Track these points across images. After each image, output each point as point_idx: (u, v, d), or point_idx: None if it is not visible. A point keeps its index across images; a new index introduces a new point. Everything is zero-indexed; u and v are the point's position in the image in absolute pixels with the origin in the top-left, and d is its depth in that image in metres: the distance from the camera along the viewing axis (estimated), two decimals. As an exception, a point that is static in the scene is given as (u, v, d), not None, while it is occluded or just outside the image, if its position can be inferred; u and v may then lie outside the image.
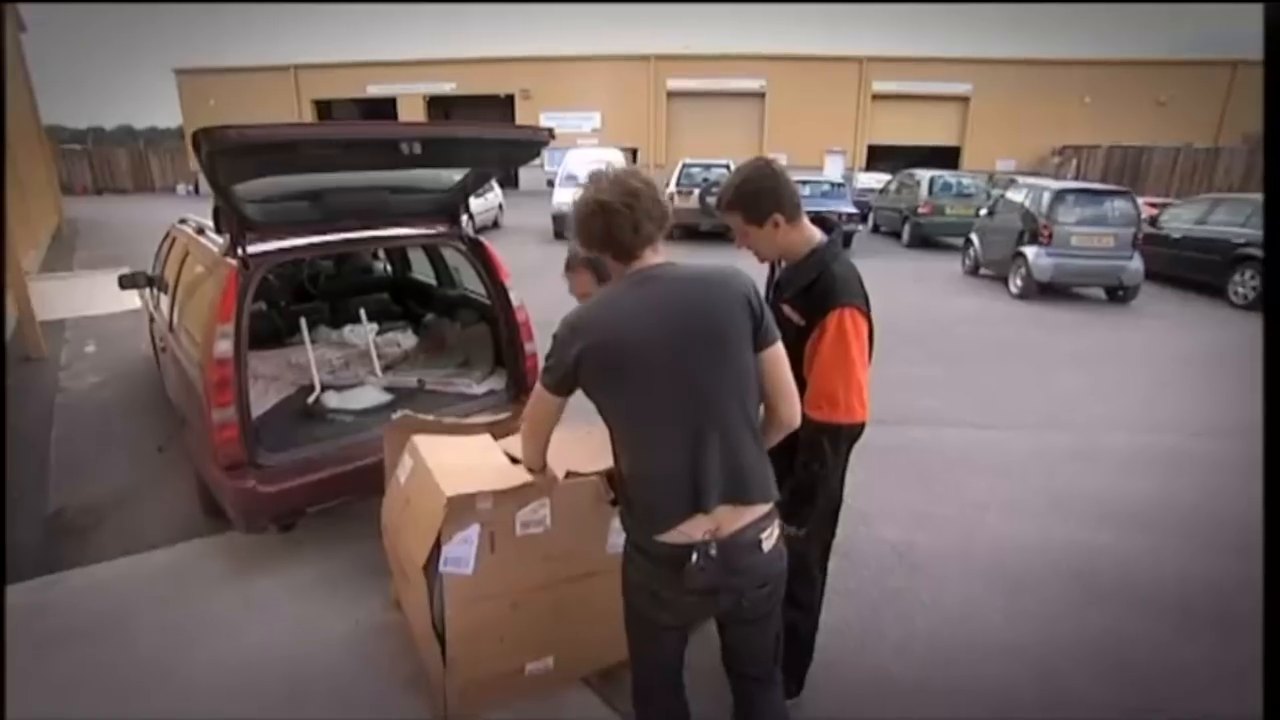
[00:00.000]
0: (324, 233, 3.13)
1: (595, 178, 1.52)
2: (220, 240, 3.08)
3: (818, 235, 1.90)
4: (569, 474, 2.12)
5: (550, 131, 2.85)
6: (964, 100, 28.21)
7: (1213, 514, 3.75)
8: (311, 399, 3.44)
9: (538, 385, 1.60)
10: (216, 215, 2.81)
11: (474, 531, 1.96)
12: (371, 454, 2.83)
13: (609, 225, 1.47)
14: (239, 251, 2.77)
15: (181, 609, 2.77)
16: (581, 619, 2.26)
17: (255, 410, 3.15)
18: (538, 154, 2.96)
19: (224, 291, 2.68)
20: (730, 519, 1.48)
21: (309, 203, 3.06)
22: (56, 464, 4.11)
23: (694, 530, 1.46)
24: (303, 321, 3.83)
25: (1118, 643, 2.74)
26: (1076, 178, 21.99)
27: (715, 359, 1.45)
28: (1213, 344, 7.56)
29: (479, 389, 3.62)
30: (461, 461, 2.19)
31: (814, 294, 1.82)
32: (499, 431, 3.02)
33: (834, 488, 2.03)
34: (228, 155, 2.21)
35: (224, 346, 2.61)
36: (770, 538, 1.54)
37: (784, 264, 1.96)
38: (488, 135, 2.91)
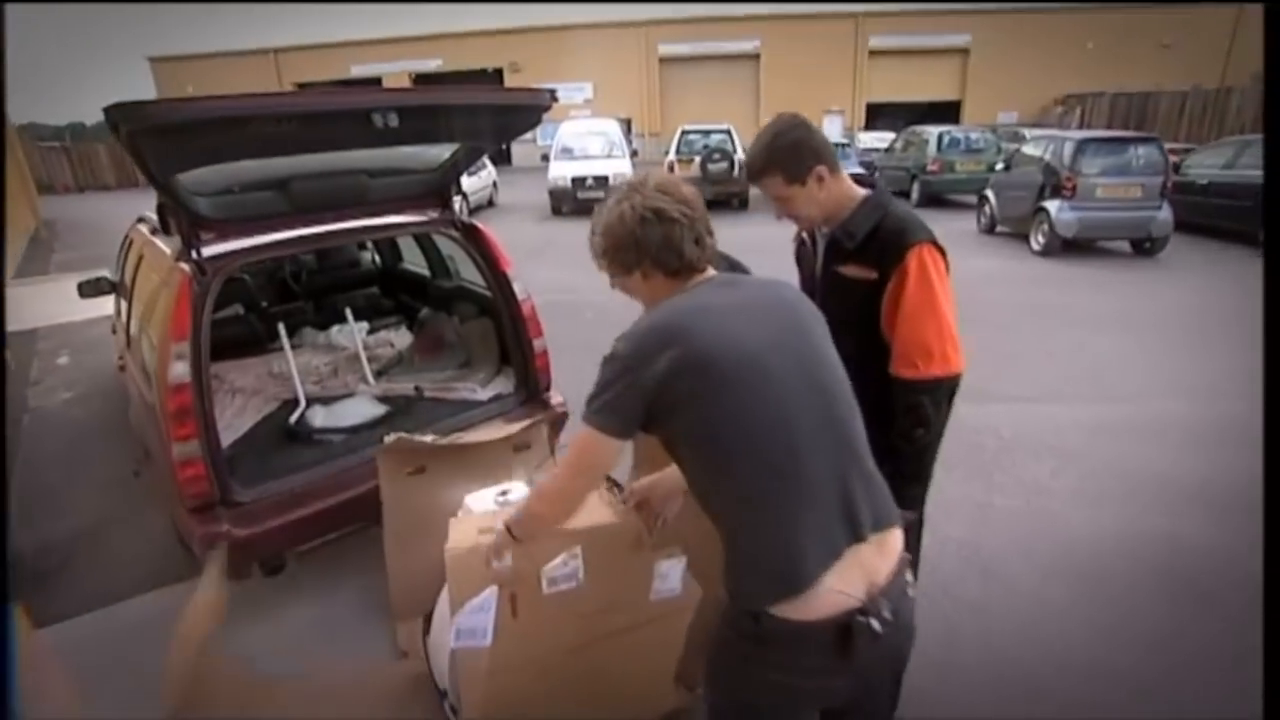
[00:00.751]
0: (294, 226, 2.68)
1: (635, 185, 1.31)
2: (173, 242, 2.65)
3: (860, 188, 1.71)
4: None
5: (552, 94, 2.40)
6: (963, 52, 27.37)
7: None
8: (294, 417, 3.03)
9: (587, 432, 1.21)
10: (162, 213, 2.37)
11: (490, 597, 1.58)
12: (366, 480, 2.45)
13: (669, 235, 1.25)
14: (193, 255, 2.34)
15: (154, 676, 2.38)
16: (621, 675, 1.89)
17: (229, 436, 2.76)
18: (538, 120, 2.51)
19: (177, 303, 2.25)
20: (876, 559, 1.18)
21: (274, 192, 2.60)
22: (18, 496, 3.69)
23: (848, 585, 1.12)
24: (281, 328, 3.40)
25: (1231, 659, 2.36)
26: (1080, 127, 21.34)
27: (835, 361, 1.27)
28: (1251, 296, 7.13)
29: (484, 393, 3.20)
30: None
31: (881, 238, 1.63)
32: (512, 443, 2.64)
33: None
34: (156, 137, 1.77)
35: (179, 369, 2.18)
36: (912, 582, 1.26)
37: (825, 230, 1.75)
38: (480, 101, 2.48)
